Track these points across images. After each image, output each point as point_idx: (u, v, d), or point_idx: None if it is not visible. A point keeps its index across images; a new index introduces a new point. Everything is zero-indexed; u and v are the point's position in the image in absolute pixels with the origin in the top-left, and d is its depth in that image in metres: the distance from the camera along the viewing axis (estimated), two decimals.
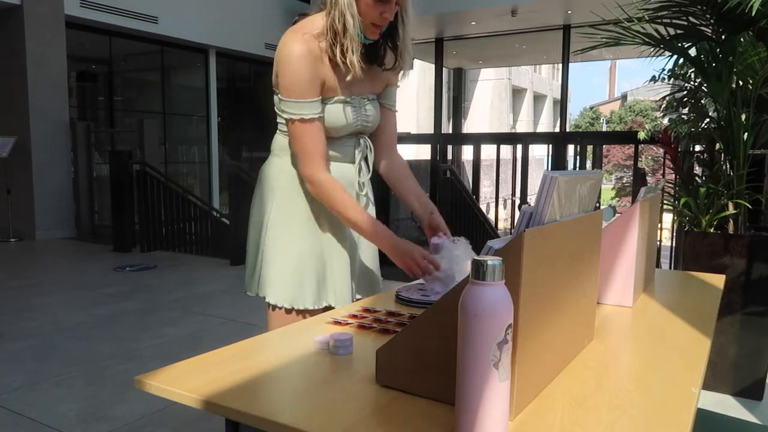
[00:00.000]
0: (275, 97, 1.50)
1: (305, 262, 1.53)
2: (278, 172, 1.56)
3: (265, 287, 1.52)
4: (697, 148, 3.62)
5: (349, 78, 1.43)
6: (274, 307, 1.52)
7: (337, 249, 1.57)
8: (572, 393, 0.86)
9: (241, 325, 3.81)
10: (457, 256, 1.41)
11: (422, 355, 0.84)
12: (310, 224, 1.55)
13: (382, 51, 1.52)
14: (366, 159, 1.62)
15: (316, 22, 1.43)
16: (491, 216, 9.27)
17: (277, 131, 1.56)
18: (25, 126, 7.35)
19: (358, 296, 1.64)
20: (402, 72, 1.59)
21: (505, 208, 11.46)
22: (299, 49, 1.39)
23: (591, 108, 39.18)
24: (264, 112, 12.25)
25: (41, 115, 7.44)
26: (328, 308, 1.54)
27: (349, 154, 1.58)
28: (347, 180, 1.56)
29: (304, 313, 1.52)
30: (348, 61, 1.40)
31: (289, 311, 1.51)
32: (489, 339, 0.67)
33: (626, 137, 14.40)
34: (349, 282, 1.58)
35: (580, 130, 30.72)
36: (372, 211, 1.68)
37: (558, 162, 10.39)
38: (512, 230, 0.92)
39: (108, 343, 3.39)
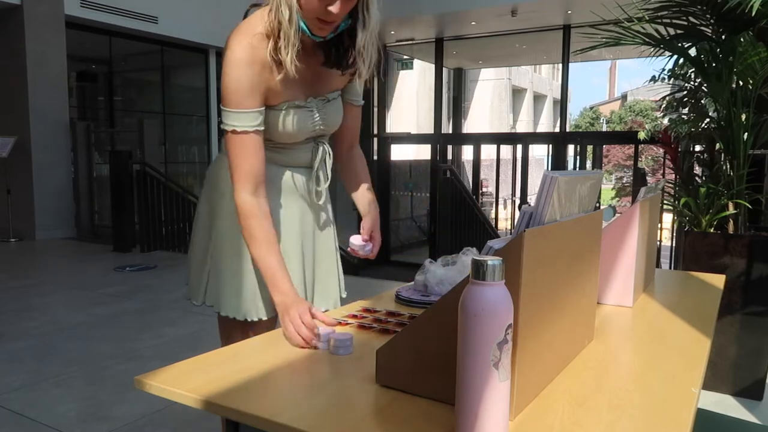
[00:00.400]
0: None
1: (258, 274, 1.37)
2: (227, 173, 1.35)
3: (218, 300, 1.44)
4: (697, 148, 3.62)
5: (279, 77, 1.28)
6: (226, 316, 1.44)
7: (291, 257, 1.43)
8: (572, 393, 0.86)
9: None
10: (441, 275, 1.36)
11: (422, 355, 0.84)
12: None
13: (348, 54, 1.35)
14: (325, 166, 1.50)
15: (265, 17, 1.27)
16: (491, 215, 9.27)
17: None
18: (25, 126, 7.35)
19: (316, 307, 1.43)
20: (358, 74, 1.40)
21: (505, 208, 11.45)
22: (240, 55, 1.25)
23: (591, 108, 39.18)
24: None
25: (41, 115, 7.45)
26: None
27: (305, 160, 1.47)
28: (302, 188, 1.47)
29: (258, 324, 1.42)
30: (282, 59, 1.25)
31: (241, 322, 1.42)
32: (489, 339, 0.67)
33: (626, 137, 14.42)
34: (302, 292, 1.47)
35: (580, 130, 30.72)
36: (329, 231, 1.59)
37: (558, 162, 10.39)
38: (512, 230, 0.92)
39: (108, 343, 3.39)
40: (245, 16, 1.32)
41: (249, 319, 1.41)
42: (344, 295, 1.62)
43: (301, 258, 1.48)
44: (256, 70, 1.27)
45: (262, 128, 1.31)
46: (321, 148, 1.47)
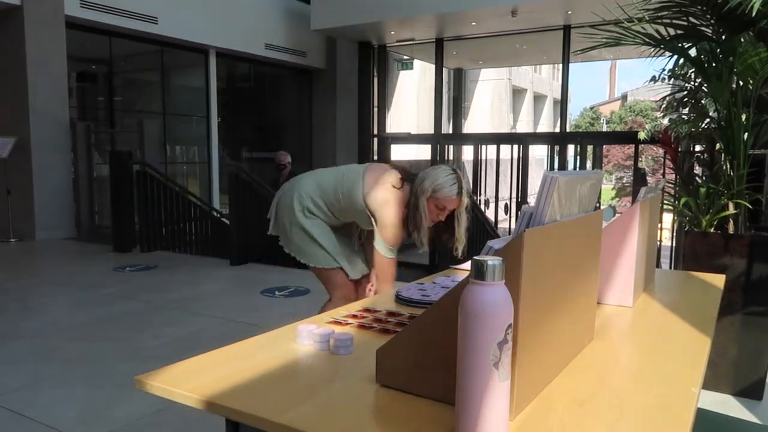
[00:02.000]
0: (369, 207, 2.37)
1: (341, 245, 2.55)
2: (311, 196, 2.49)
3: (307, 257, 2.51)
4: (697, 148, 3.62)
5: (421, 251, 2.53)
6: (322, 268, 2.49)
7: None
8: (572, 393, 0.86)
9: (241, 325, 3.81)
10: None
11: (422, 355, 0.84)
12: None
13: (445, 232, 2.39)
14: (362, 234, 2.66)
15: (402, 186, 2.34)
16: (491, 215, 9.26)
17: (356, 187, 2.39)
18: (25, 126, 7.35)
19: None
20: (458, 249, 2.35)
21: (506, 213, 11.44)
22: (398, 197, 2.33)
23: (591, 108, 39.17)
24: (264, 112, 12.26)
25: (41, 116, 7.45)
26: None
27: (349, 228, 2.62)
28: (348, 234, 2.63)
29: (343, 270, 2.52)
30: (421, 240, 2.28)
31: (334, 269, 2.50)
32: (489, 339, 0.67)
33: (626, 137, 14.40)
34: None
35: (580, 130, 30.71)
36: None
37: (558, 162, 10.39)
38: (512, 230, 0.92)
39: (108, 343, 3.39)
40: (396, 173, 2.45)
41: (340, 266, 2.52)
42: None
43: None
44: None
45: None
46: (359, 229, 2.63)
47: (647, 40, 2.91)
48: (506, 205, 11.75)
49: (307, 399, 0.84)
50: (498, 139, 11.98)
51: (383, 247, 2.33)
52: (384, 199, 2.30)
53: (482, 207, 9.64)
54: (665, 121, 3.54)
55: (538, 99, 29.24)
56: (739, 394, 2.67)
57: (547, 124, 29.64)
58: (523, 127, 26.80)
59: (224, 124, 11.30)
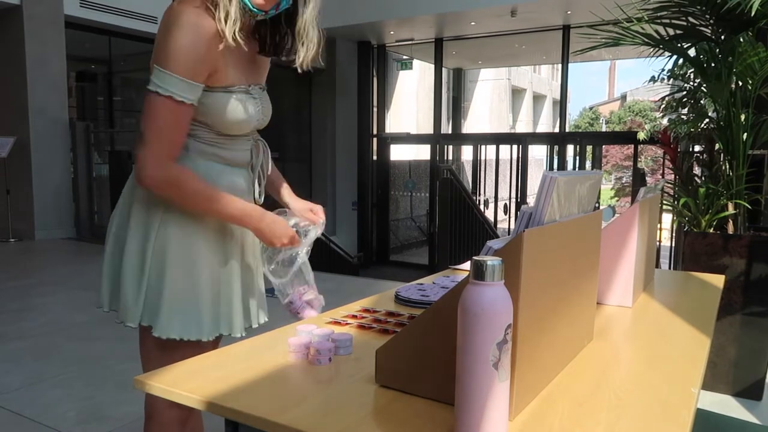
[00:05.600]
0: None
1: (210, 286, 1.29)
2: None
3: (156, 318, 1.29)
4: (697, 148, 3.62)
5: (221, 47, 1.17)
6: (158, 338, 1.29)
7: (241, 268, 1.37)
8: (572, 393, 0.86)
9: None
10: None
11: (422, 355, 0.84)
12: (216, 238, 1.31)
13: (285, 40, 1.32)
14: (265, 164, 1.41)
15: None
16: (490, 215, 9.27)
17: None
18: (24, 126, 7.35)
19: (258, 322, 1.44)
20: (300, 61, 1.30)
21: (506, 213, 11.44)
22: (195, 20, 1.15)
23: (590, 108, 39.18)
24: None
25: (41, 115, 7.44)
26: (218, 338, 1.35)
27: (245, 158, 1.36)
28: (241, 189, 1.35)
29: (196, 344, 1.29)
30: (224, 29, 1.16)
31: (178, 342, 1.29)
32: (489, 339, 0.67)
33: (626, 137, 14.42)
34: (242, 308, 1.37)
35: (580, 130, 30.73)
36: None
37: (557, 162, 10.38)
38: (511, 231, 0.92)
39: (108, 343, 3.39)
40: None
41: (186, 339, 1.28)
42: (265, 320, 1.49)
43: (252, 262, 1.41)
44: (209, 40, 1.17)
45: (195, 105, 1.21)
46: (261, 145, 1.41)
47: (646, 40, 2.92)
48: (505, 205, 11.75)
49: (307, 399, 0.84)
50: (497, 139, 12.00)
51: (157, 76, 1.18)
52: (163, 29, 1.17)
53: (482, 207, 9.63)
54: (664, 122, 3.55)
55: (538, 99, 29.24)
56: (738, 394, 2.67)
57: (546, 124, 29.65)
58: (523, 127, 26.80)
59: None
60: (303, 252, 1.37)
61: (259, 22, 1.30)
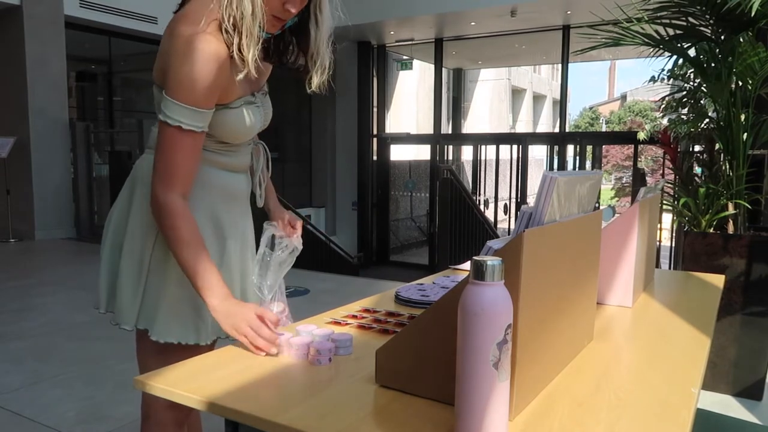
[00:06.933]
0: (155, 90, 1.24)
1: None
2: None
3: (153, 322, 1.28)
4: (697, 148, 3.62)
5: (241, 76, 1.18)
6: (156, 341, 1.27)
7: (239, 272, 1.36)
8: (572, 393, 0.86)
9: None
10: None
11: (422, 355, 0.84)
12: (214, 242, 1.30)
13: (289, 49, 1.31)
14: (266, 168, 1.42)
15: (210, 6, 1.15)
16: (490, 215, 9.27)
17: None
18: (24, 126, 7.35)
19: None
20: (313, 79, 1.30)
21: (506, 213, 11.45)
22: (216, 49, 1.14)
23: (590, 108, 39.18)
24: None
25: (41, 115, 7.44)
26: (214, 341, 1.32)
27: (246, 162, 1.37)
28: (242, 192, 1.36)
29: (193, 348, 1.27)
30: (245, 57, 1.15)
31: (176, 346, 1.27)
32: (489, 339, 0.67)
33: (626, 137, 14.42)
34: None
35: (580, 130, 30.73)
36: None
37: (557, 162, 10.38)
38: (511, 231, 0.92)
39: (108, 343, 3.38)
40: (182, 3, 1.23)
41: (184, 343, 1.27)
42: None
43: (246, 273, 1.38)
44: (224, 68, 1.16)
45: (207, 131, 1.21)
46: (261, 148, 1.40)
47: (646, 40, 2.92)
48: (505, 205, 11.75)
49: (307, 399, 0.84)
50: (497, 139, 11.99)
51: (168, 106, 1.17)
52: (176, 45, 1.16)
53: (482, 207, 9.63)
54: (664, 122, 3.55)
55: (538, 99, 29.24)
56: (738, 394, 2.67)
57: (546, 124, 29.65)
58: (523, 127, 26.80)
59: None
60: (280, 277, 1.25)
61: None
